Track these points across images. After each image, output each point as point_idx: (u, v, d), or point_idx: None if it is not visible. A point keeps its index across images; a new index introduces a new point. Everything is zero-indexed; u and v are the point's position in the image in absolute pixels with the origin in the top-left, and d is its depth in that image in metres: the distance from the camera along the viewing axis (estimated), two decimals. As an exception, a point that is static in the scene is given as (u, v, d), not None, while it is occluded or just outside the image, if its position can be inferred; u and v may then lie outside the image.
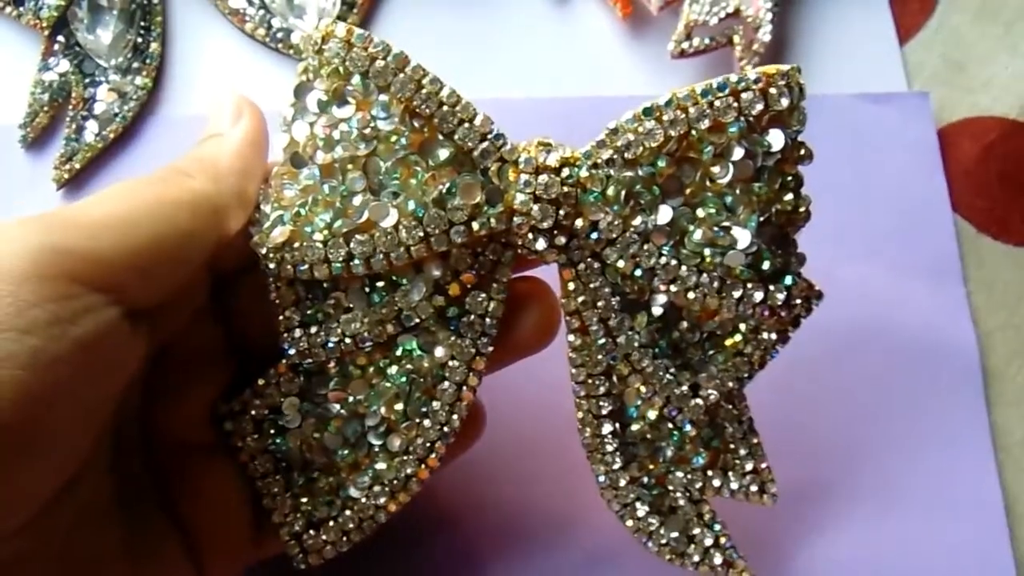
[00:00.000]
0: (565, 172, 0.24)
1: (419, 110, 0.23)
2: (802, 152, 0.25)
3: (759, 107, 0.24)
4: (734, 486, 0.28)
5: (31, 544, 0.21)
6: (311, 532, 0.26)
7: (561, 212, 0.23)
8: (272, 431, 0.26)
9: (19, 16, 0.36)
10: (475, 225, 0.23)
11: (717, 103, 0.23)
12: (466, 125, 0.23)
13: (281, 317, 0.25)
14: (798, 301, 0.26)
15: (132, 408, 0.25)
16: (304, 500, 0.26)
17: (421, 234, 0.23)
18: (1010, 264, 0.36)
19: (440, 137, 0.23)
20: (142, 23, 0.37)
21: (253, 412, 0.26)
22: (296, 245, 0.24)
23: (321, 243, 0.23)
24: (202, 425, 0.26)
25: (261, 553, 0.27)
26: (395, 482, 0.26)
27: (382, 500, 0.26)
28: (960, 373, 0.34)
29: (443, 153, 0.23)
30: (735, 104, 0.23)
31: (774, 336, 0.26)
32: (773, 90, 0.24)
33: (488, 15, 0.38)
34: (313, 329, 0.25)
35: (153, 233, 0.22)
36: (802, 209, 0.25)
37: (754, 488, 0.28)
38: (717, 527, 0.28)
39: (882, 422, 0.33)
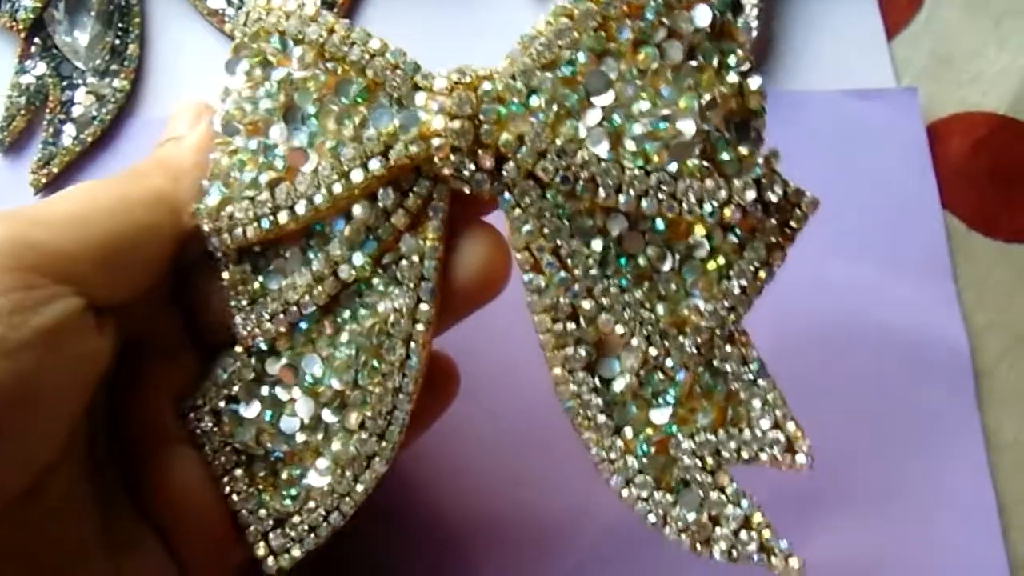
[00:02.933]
0: (483, 88, 0.22)
1: (331, 53, 0.23)
2: (726, 29, 0.23)
3: None
4: (754, 448, 0.24)
5: (2, 538, 0.21)
6: (277, 531, 0.25)
7: (482, 130, 0.22)
8: (232, 422, 0.25)
9: (-5, 19, 0.36)
10: (392, 154, 0.22)
11: None
12: (378, 58, 0.22)
13: (231, 298, 0.25)
14: (773, 198, 0.23)
15: (101, 403, 0.25)
16: (268, 497, 0.25)
17: (339, 170, 0.23)
18: (1001, 261, 0.35)
19: (353, 74, 0.23)
20: (120, 25, 0.36)
21: (212, 404, 0.25)
22: (228, 209, 0.24)
23: (249, 199, 0.23)
24: (169, 418, 0.25)
25: (246, 552, 0.26)
26: (356, 464, 0.24)
27: (345, 486, 0.24)
28: (951, 371, 0.34)
29: (356, 88, 0.23)
30: None
31: (763, 252, 0.23)
32: None
33: (468, 14, 0.38)
34: (258, 305, 0.24)
35: (113, 228, 0.23)
36: (753, 90, 0.23)
37: (779, 449, 0.24)
38: (745, 503, 0.24)
39: (872, 422, 0.33)
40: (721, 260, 0.24)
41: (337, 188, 0.23)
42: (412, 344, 0.24)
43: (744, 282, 0.24)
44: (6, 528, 0.21)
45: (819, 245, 0.35)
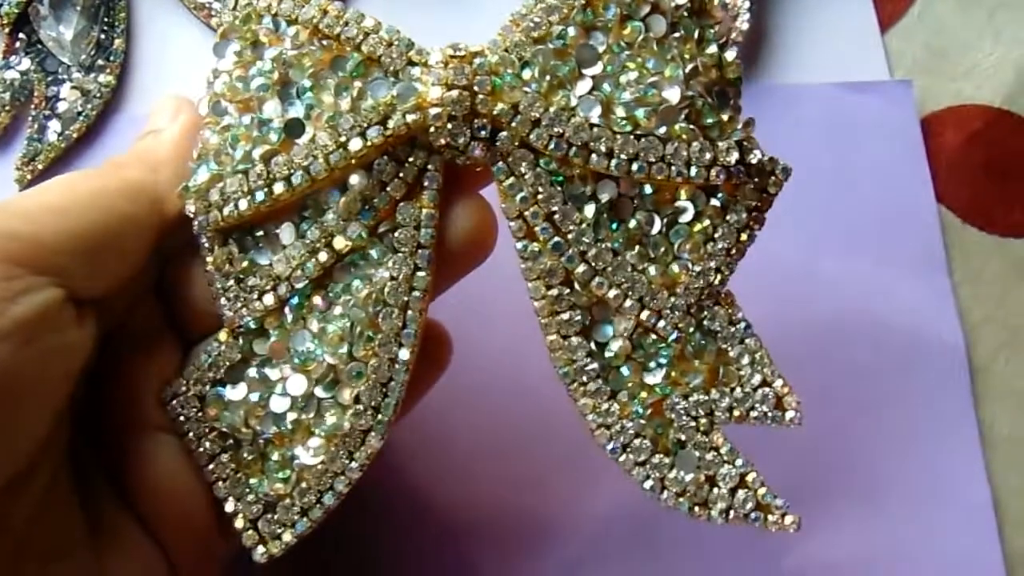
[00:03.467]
0: (477, 62, 0.23)
1: (326, 31, 0.23)
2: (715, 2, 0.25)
3: None
4: (745, 406, 0.25)
5: None
6: (268, 516, 0.25)
7: (477, 100, 0.23)
8: (217, 406, 0.25)
9: (-21, 14, 0.35)
10: (390, 123, 0.23)
11: None
12: (372, 36, 0.23)
13: (216, 280, 0.24)
14: (754, 161, 0.24)
15: (81, 393, 0.24)
16: (256, 481, 0.25)
17: (337, 140, 0.23)
18: (996, 255, 0.35)
19: (348, 50, 0.23)
20: (106, 19, 0.36)
21: (197, 389, 0.25)
22: (219, 185, 0.24)
23: (242, 173, 0.24)
24: (150, 408, 0.25)
25: (233, 541, 0.26)
26: (349, 439, 0.24)
27: (339, 464, 0.24)
28: (946, 367, 0.34)
29: (352, 62, 0.23)
30: None
31: (744, 215, 0.25)
32: None
33: (460, 10, 0.37)
34: (248, 282, 0.24)
35: (93, 218, 0.23)
36: (730, 61, 0.24)
37: (768, 405, 0.25)
38: (740, 461, 0.25)
39: (867, 418, 0.33)
40: (706, 223, 0.25)
41: (335, 158, 0.23)
42: (409, 312, 0.24)
43: (728, 244, 0.25)
44: None
45: (813, 239, 0.34)
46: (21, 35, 0.35)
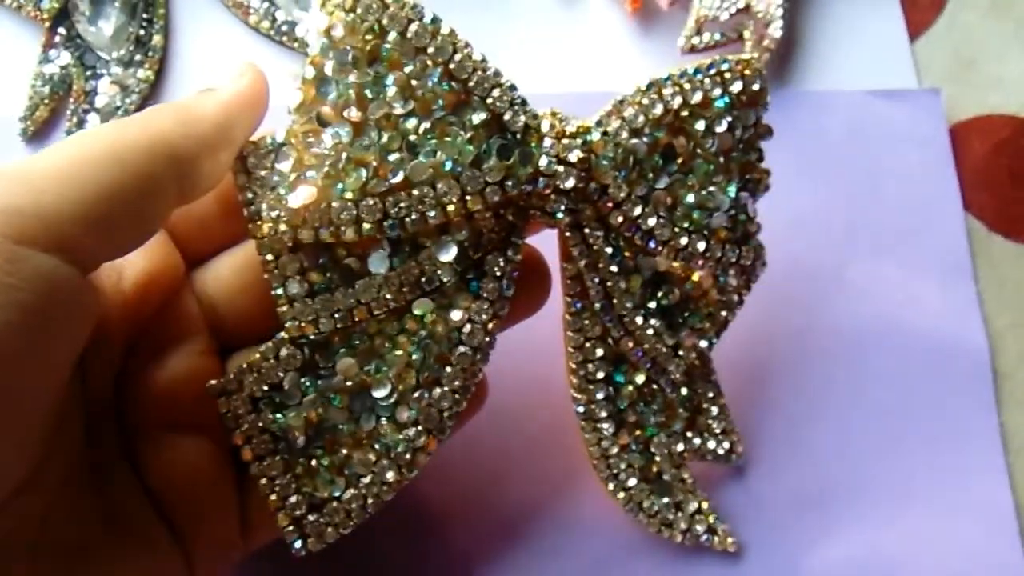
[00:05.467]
0: (581, 140, 0.25)
1: (456, 74, 0.24)
2: (762, 129, 0.28)
3: (739, 87, 0.27)
4: (711, 446, 0.30)
5: (4, 531, 0.20)
6: (312, 516, 0.25)
7: (579, 176, 0.25)
8: (271, 409, 0.25)
9: (19, 7, 0.35)
10: (507, 185, 0.24)
11: (707, 81, 0.26)
12: (497, 90, 0.24)
13: (280, 288, 0.24)
14: (760, 260, 0.29)
15: (106, 389, 0.24)
16: (305, 481, 0.25)
17: (459, 194, 0.24)
18: (1021, 263, 0.35)
19: (475, 100, 0.24)
20: (144, 15, 0.36)
21: (250, 390, 0.25)
22: (323, 206, 0.23)
23: (353, 203, 0.23)
24: (179, 405, 0.25)
25: (250, 543, 0.26)
26: (402, 456, 0.25)
27: (389, 475, 0.25)
28: (970, 373, 0.34)
29: (479, 116, 0.24)
30: (720, 83, 0.26)
31: (736, 298, 0.29)
32: (749, 72, 0.27)
33: (497, 12, 0.37)
34: (320, 298, 0.24)
35: (106, 181, 0.20)
36: (766, 179, 0.29)
37: (724, 447, 0.30)
38: (701, 493, 0.30)
39: (891, 423, 0.33)
40: (709, 299, 0.28)
41: (451, 208, 0.24)
42: (478, 354, 0.25)
43: (722, 320, 0.29)
44: (8, 521, 0.20)
45: (840, 245, 0.35)
46: (61, 30, 0.36)
